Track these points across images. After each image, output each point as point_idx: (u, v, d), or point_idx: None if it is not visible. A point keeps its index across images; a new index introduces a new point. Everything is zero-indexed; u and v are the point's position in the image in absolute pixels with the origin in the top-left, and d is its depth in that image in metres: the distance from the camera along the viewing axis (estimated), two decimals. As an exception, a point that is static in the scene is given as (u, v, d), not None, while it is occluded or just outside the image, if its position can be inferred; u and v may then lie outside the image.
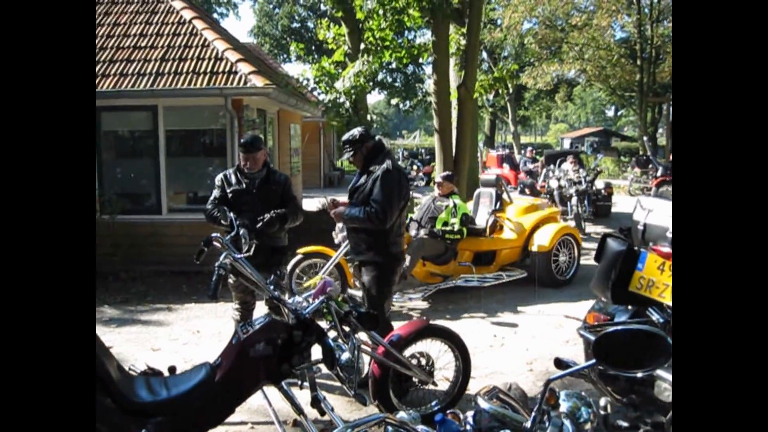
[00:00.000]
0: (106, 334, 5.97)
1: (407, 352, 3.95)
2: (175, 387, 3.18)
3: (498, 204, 8.28)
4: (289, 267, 7.05)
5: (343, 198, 4.95)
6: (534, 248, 7.86)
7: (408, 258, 6.94)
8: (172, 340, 6.10)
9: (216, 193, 4.83)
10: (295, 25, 43.38)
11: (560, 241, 7.98)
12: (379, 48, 10.69)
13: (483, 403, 2.23)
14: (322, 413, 3.15)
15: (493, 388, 2.56)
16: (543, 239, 7.86)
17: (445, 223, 7.33)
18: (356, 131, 4.61)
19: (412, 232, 7.33)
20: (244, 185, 4.75)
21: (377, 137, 4.72)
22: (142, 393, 3.12)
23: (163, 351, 5.70)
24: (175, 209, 8.97)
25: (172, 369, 3.47)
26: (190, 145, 9.21)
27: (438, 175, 7.70)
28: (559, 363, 2.31)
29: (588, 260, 8.12)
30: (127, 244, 8.41)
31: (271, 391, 3.34)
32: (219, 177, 4.91)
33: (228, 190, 4.77)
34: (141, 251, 8.40)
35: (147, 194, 9.09)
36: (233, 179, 4.80)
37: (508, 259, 7.96)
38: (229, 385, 3.16)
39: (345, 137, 4.66)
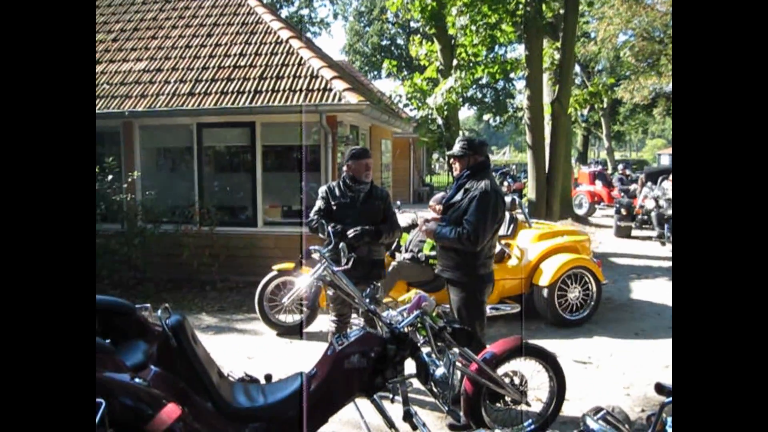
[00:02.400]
0: (203, 341, 6.18)
1: (500, 371, 3.89)
2: (272, 394, 3.26)
3: (511, 229, 7.50)
4: (260, 285, 6.83)
5: (429, 214, 4.91)
6: (537, 281, 6.94)
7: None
8: (266, 349, 6.26)
9: (320, 204, 4.86)
10: (385, 42, 43.97)
11: (572, 276, 6.97)
12: (471, 64, 10.67)
13: (592, 424, 2.16)
14: (414, 428, 3.14)
15: (600, 408, 2.48)
16: (545, 272, 6.92)
17: (434, 248, 6.72)
18: (478, 139, 4.56)
19: (397, 255, 6.88)
20: (348, 198, 4.76)
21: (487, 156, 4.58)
22: (240, 399, 3.23)
23: (258, 359, 5.86)
24: (270, 222, 9.23)
25: (268, 377, 3.57)
26: (285, 160, 9.48)
27: (432, 198, 7.12)
28: (661, 389, 2.21)
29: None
30: (224, 255, 8.73)
31: (363, 403, 3.37)
32: (323, 189, 4.93)
33: (332, 203, 4.79)
34: (237, 262, 8.69)
35: (244, 207, 9.41)
36: (337, 192, 4.82)
37: (510, 291, 7.05)
38: (324, 395, 3.21)
39: (467, 136, 4.62)
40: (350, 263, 4.06)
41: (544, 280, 6.86)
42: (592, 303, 7.05)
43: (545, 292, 6.84)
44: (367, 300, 3.53)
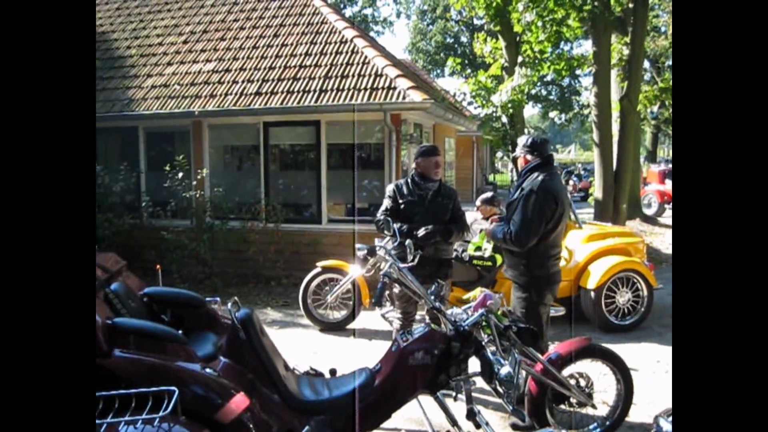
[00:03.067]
0: (269, 335, 6.32)
1: (566, 372, 3.83)
2: (336, 388, 3.31)
3: None
4: (304, 281, 6.97)
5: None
6: (584, 284, 6.72)
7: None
8: (331, 344, 6.35)
9: (387, 203, 4.86)
10: (449, 40, 43.75)
11: (621, 279, 6.72)
12: (536, 60, 10.51)
13: (665, 425, 2.11)
14: (477, 426, 3.13)
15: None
16: (592, 274, 6.69)
17: (479, 248, 6.76)
18: (537, 138, 4.38)
19: None
20: (416, 196, 4.76)
21: (547, 155, 4.37)
22: (306, 391, 3.29)
23: (321, 354, 5.94)
24: (334, 220, 9.34)
25: (333, 371, 3.62)
26: (349, 158, 9.58)
27: (479, 197, 6.98)
28: None
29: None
30: (289, 252, 8.89)
31: (426, 400, 3.38)
32: (391, 187, 4.94)
33: (400, 201, 4.79)
34: (301, 258, 8.83)
35: (308, 205, 9.55)
36: (405, 190, 4.81)
37: (558, 293, 6.55)
38: (387, 390, 3.24)
39: (530, 135, 4.54)
40: (416, 260, 4.07)
41: (591, 282, 6.66)
42: (642, 309, 6.78)
43: (592, 295, 6.63)
44: (432, 297, 3.54)
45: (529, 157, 4.32)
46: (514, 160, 11.43)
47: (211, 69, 10.23)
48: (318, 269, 6.99)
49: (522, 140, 4.42)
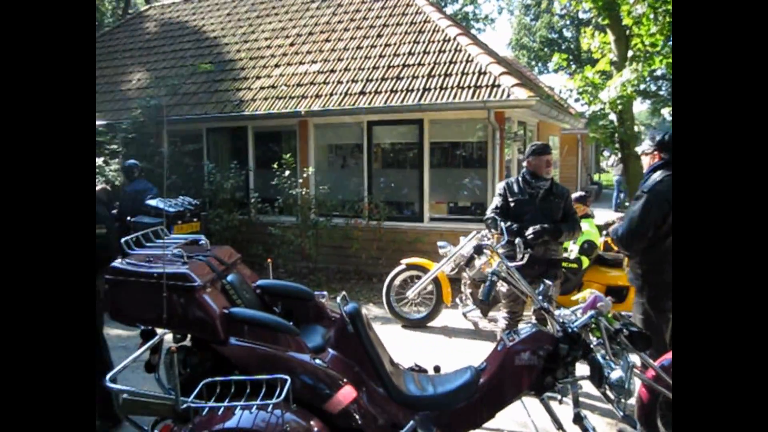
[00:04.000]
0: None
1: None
2: (441, 385, 3.32)
3: None
4: (388, 278, 6.98)
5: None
6: None
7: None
8: (430, 341, 6.38)
9: (497, 201, 4.82)
10: (553, 35, 42.69)
11: None
12: (648, 54, 10.08)
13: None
14: (584, 431, 3.05)
15: None
16: None
17: (565, 250, 6.45)
18: (668, 136, 4.14)
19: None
20: (527, 195, 4.71)
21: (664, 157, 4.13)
22: (411, 387, 3.32)
23: (424, 350, 5.97)
24: (436, 218, 9.36)
25: (437, 368, 3.63)
26: (451, 156, 9.56)
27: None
28: None
29: None
30: (391, 249, 8.99)
31: (531, 402, 3.33)
32: (501, 185, 4.90)
33: (510, 199, 4.75)
34: (403, 256, 8.87)
35: (411, 203, 9.62)
36: (516, 188, 4.76)
37: None
38: (492, 390, 3.21)
39: (656, 132, 4.38)
40: (525, 259, 4.01)
41: None
42: None
43: None
44: (541, 297, 3.48)
45: (663, 155, 4.11)
46: (624, 159, 11.01)
47: (317, 70, 10.50)
48: (402, 266, 7.08)
49: (653, 136, 4.23)
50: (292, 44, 11.67)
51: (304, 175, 9.53)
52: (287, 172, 9.15)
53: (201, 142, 10.91)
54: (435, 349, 6.10)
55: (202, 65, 11.60)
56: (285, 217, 9.60)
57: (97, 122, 11.26)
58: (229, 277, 3.49)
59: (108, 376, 3.18)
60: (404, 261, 7.13)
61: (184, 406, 2.83)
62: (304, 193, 9.38)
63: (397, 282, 7.06)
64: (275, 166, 9.45)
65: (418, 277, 6.91)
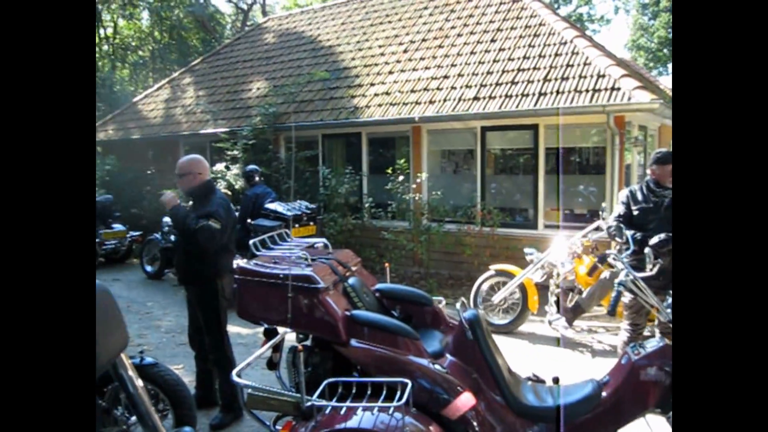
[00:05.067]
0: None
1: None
2: (561, 397, 3.24)
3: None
4: (477, 283, 6.91)
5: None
6: None
7: (587, 292, 6.16)
8: (548, 351, 6.24)
9: (620, 209, 4.72)
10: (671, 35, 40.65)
11: None
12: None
13: None
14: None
15: None
16: None
17: None
18: None
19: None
20: (652, 203, 4.55)
21: None
22: (529, 397, 3.26)
23: (541, 361, 5.85)
24: (551, 225, 9.14)
25: (555, 379, 3.54)
26: (567, 162, 9.32)
27: None
28: None
29: None
30: (504, 256, 8.86)
31: (656, 420, 3.18)
32: (624, 193, 4.79)
33: (633, 208, 4.62)
34: (517, 263, 8.75)
35: (524, 209, 9.46)
36: (640, 196, 4.63)
37: None
38: (616, 405, 3.10)
39: None
40: (655, 270, 3.86)
41: None
42: None
43: None
44: (669, 310, 3.33)
45: None
46: None
47: (430, 76, 10.55)
48: (491, 272, 7.07)
49: None
50: (405, 51, 11.80)
51: (417, 180, 9.59)
52: (401, 178, 9.24)
53: (317, 148, 11.24)
54: (517, 356, 5.98)
55: (318, 73, 11.96)
56: (398, 222, 9.70)
57: (219, 129, 11.86)
58: (351, 280, 3.57)
59: (234, 372, 3.34)
60: (493, 267, 7.14)
61: (308, 404, 2.92)
62: (417, 198, 9.45)
63: (484, 287, 7.08)
64: (389, 171, 9.58)
65: (505, 283, 6.91)
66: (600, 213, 7.17)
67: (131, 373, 1.61)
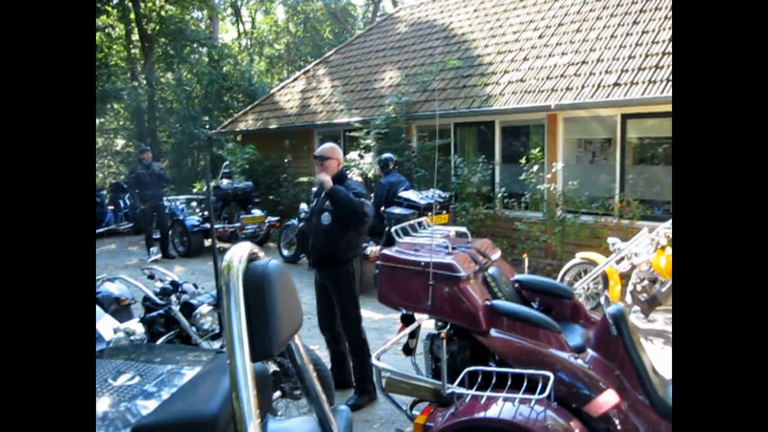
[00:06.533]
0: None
1: None
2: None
3: None
4: (563, 269, 6.83)
5: None
6: None
7: (666, 285, 5.98)
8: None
9: None
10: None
11: None
12: None
13: None
14: None
15: None
16: None
17: None
18: None
19: None
20: None
21: None
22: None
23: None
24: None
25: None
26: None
27: None
28: None
29: None
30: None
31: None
32: None
33: None
34: (657, 258, 8.36)
35: (667, 201, 8.96)
36: None
37: None
38: None
39: None
40: None
41: None
42: None
43: None
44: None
45: None
46: None
47: (567, 62, 10.21)
48: (577, 259, 7.11)
49: None
50: (540, 36, 11.49)
51: (552, 170, 9.35)
52: (535, 167, 9.05)
53: (449, 137, 11.23)
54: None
55: (451, 62, 11.91)
56: (531, 212, 9.51)
57: (353, 119, 12.14)
58: (491, 270, 3.56)
59: (374, 355, 3.43)
60: (579, 254, 7.13)
61: (449, 391, 2.95)
62: (551, 188, 9.22)
63: (569, 275, 7.07)
64: (522, 160, 9.40)
65: (589, 271, 6.90)
66: None
67: (300, 345, 1.71)
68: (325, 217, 4.67)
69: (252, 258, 1.43)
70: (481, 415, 2.84)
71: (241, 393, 1.25)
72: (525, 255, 4.45)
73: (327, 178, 4.58)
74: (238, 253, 1.38)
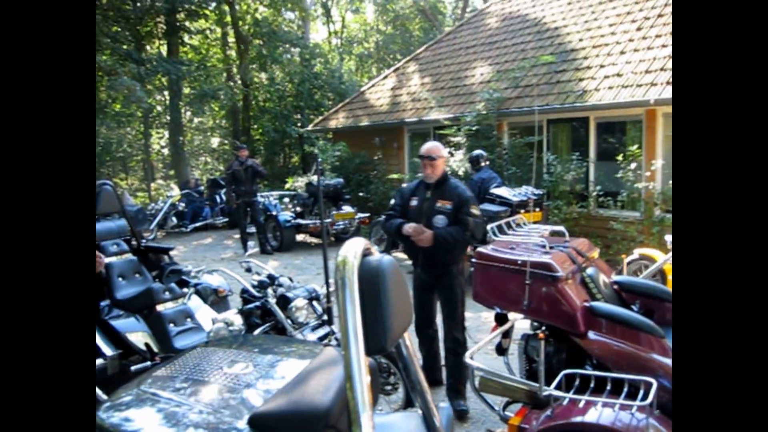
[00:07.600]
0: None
1: None
2: None
3: None
4: (622, 265, 6.29)
5: None
6: None
7: None
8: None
9: None
10: None
11: None
12: None
13: None
14: None
15: None
16: None
17: None
18: None
19: None
20: None
21: None
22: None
23: None
24: None
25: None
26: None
27: None
28: None
29: None
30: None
31: None
32: None
33: None
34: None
35: None
36: None
37: None
38: None
39: None
40: None
41: None
42: None
43: None
44: None
45: None
46: None
47: (667, 55, 9.77)
48: (635, 255, 7.05)
49: None
50: (638, 29, 11.06)
51: (651, 168, 8.98)
52: (633, 165, 8.73)
53: (541, 134, 11.00)
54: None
55: (543, 57, 11.65)
56: (627, 212, 9.19)
57: (443, 115, 12.10)
58: (589, 271, 3.47)
59: (468, 354, 3.41)
60: (637, 250, 7.01)
61: (546, 393, 2.90)
62: (650, 187, 8.87)
63: (627, 271, 6.76)
64: (619, 158, 9.09)
65: (647, 267, 6.76)
66: None
67: (407, 339, 1.74)
68: (440, 220, 4.47)
69: (366, 253, 1.45)
70: (579, 419, 2.77)
71: (356, 385, 1.28)
72: (624, 256, 4.30)
73: (424, 236, 4.39)
74: (353, 249, 1.40)
